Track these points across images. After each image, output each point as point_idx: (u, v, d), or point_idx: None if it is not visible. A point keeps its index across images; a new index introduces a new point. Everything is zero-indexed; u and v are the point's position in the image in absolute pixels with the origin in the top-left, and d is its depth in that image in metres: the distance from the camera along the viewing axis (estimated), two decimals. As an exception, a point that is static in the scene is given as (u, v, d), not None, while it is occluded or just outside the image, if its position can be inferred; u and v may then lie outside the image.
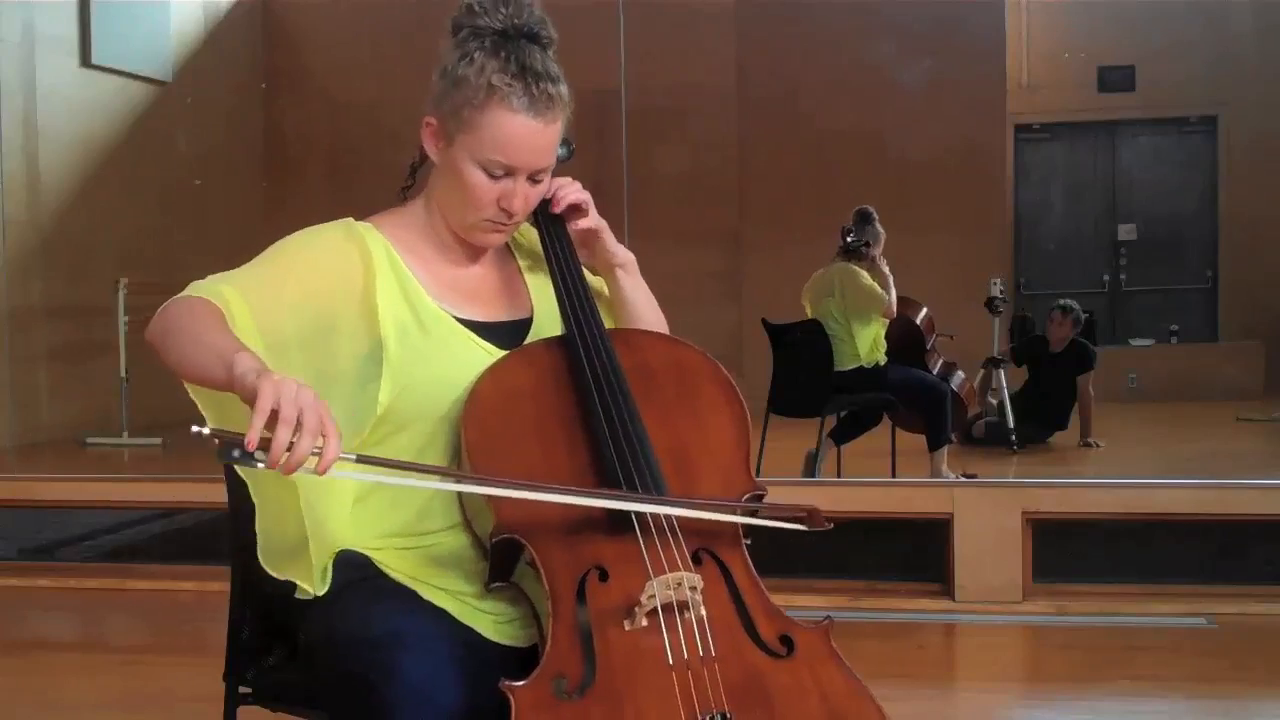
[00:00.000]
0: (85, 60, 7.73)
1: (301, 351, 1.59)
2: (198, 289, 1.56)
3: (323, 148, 9.12)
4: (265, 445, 1.30)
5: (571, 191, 1.75)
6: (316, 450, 1.32)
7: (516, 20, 1.60)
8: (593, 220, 1.77)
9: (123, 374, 7.21)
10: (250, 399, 1.33)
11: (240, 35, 9.31)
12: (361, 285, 1.62)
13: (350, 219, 1.69)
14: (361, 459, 1.40)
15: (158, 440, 6.98)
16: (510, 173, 1.61)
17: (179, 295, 1.55)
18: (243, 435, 1.30)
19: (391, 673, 1.46)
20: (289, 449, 1.30)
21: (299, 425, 1.30)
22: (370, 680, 1.47)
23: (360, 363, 1.61)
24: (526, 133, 1.59)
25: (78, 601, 4.70)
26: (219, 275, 1.60)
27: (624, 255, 1.80)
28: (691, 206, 8.74)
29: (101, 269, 7.49)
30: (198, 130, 8.58)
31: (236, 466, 1.37)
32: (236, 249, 1.68)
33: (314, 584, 1.62)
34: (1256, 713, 3.38)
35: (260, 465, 1.32)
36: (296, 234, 1.67)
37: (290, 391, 1.31)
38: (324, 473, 1.33)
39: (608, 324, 1.76)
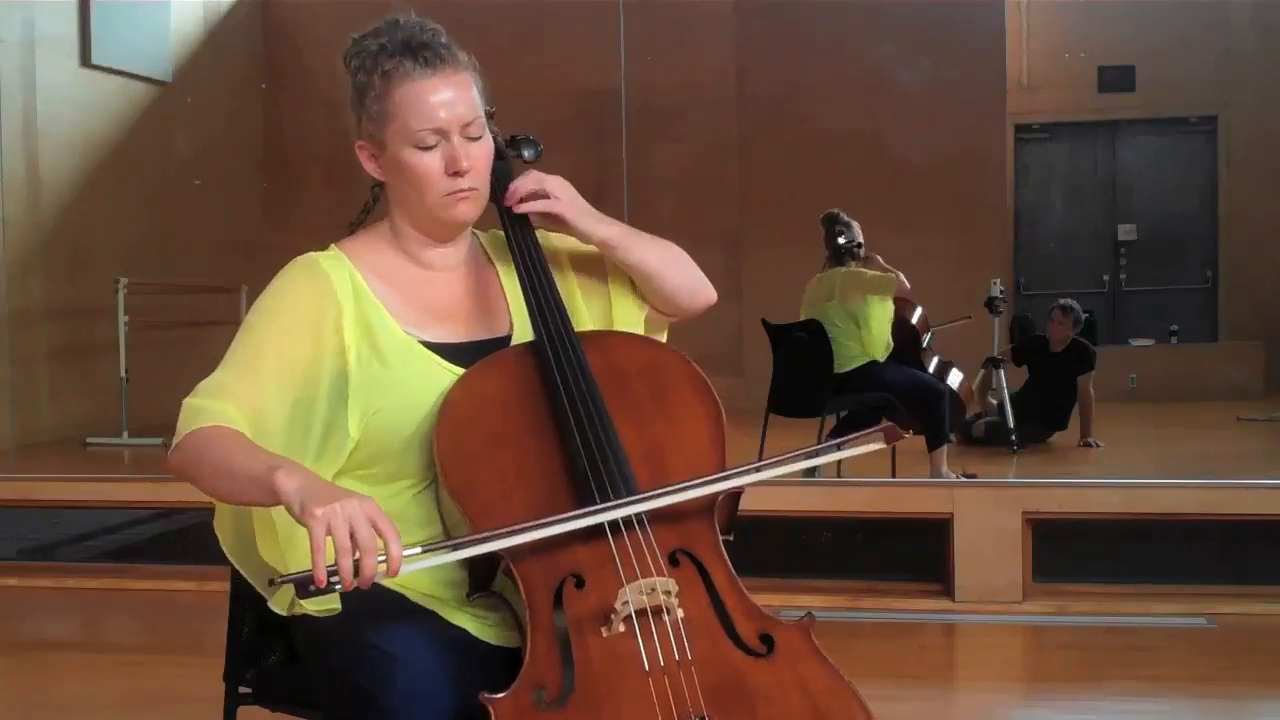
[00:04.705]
0: (85, 60, 7.72)
1: (287, 405, 1.60)
2: (202, 414, 1.53)
3: (323, 148, 9.08)
4: (334, 570, 1.34)
5: (526, 182, 1.72)
6: (383, 559, 1.36)
7: (396, 36, 1.65)
8: (550, 205, 1.71)
9: (123, 374, 7.20)
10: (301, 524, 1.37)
11: (240, 35, 9.30)
12: (333, 323, 1.62)
13: (313, 254, 1.68)
14: (426, 550, 1.46)
15: (158, 440, 6.97)
16: (442, 135, 1.62)
17: (188, 426, 1.53)
18: (309, 573, 1.34)
19: (384, 678, 1.47)
20: (356, 571, 1.35)
21: (356, 545, 1.34)
22: (364, 687, 1.48)
23: (330, 394, 1.61)
24: (431, 89, 1.61)
25: (78, 601, 4.70)
26: (210, 381, 1.58)
27: (603, 234, 1.73)
28: (691, 206, 8.73)
29: (101, 269, 7.47)
30: (198, 130, 8.57)
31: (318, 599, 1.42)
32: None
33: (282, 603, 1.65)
34: (1256, 713, 3.38)
35: (338, 589, 1.36)
36: (264, 296, 1.66)
37: (338, 517, 1.34)
38: (396, 574, 1.37)
39: (598, 317, 1.77)
